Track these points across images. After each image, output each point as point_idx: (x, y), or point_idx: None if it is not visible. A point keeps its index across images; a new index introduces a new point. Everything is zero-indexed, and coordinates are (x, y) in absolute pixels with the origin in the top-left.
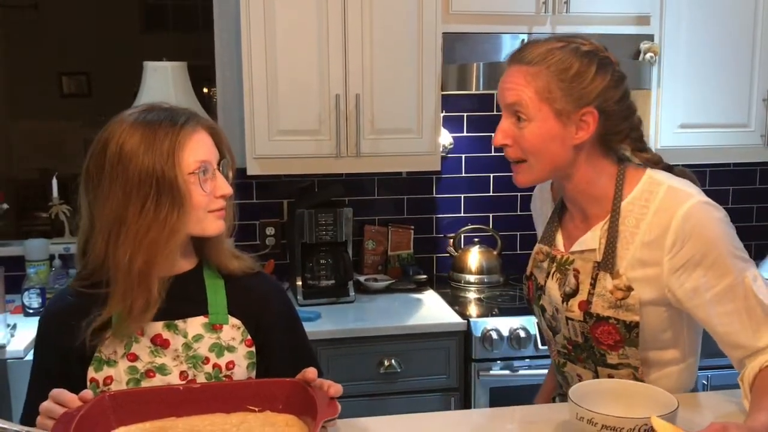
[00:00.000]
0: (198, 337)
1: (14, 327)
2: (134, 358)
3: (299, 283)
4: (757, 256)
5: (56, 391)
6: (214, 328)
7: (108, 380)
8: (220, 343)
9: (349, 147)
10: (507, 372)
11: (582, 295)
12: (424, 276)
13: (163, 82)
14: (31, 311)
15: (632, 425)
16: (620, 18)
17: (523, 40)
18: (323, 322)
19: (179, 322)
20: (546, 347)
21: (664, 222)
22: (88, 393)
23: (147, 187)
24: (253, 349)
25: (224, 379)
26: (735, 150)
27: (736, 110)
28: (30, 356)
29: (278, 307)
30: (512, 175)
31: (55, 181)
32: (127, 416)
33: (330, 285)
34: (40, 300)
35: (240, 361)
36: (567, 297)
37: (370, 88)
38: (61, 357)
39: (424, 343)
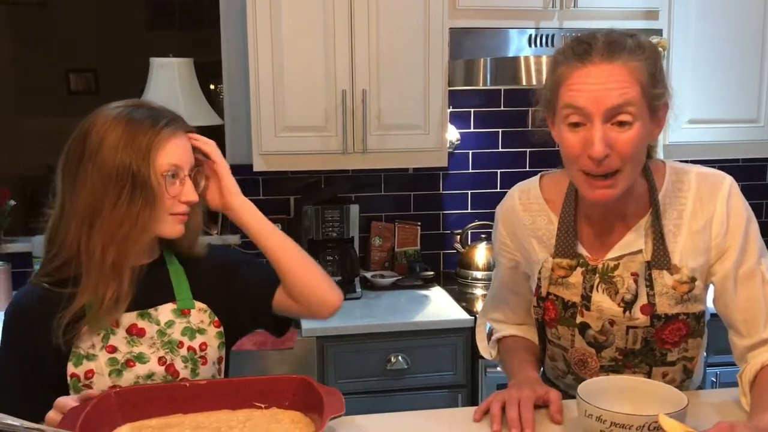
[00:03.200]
0: (170, 323)
1: None
2: (113, 349)
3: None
4: None
5: (60, 400)
6: (182, 313)
7: (89, 374)
8: (191, 326)
9: (355, 143)
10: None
11: (642, 299)
12: (431, 272)
13: (169, 78)
14: None
15: (641, 423)
16: (628, 12)
17: (530, 35)
18: (330, 319)
19: (151, 311)
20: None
21: (708, 208)
22: (91, 392)
23: (122, 182)
24: (221, 329)
25: (200, 360)
26: (744, 145)
27: (745, 105)
28: None
29: (232, 257)
30: (595, 191)
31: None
32: (133, 413)
33: (336, 281)
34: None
35: (211, 342)
36: (628, 305)
37: (376, 83)
38: (34, 354)
39: (431, 340)
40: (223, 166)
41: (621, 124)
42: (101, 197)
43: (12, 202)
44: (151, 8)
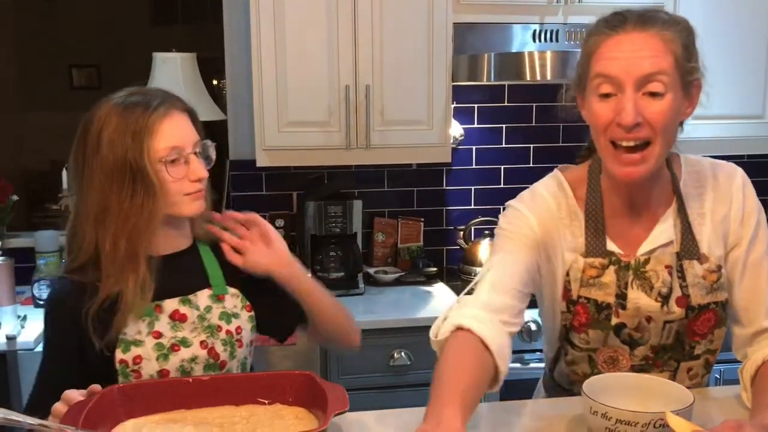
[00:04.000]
0: (208, 308)
1: (24, 318)
2: (158, 335)
3: (309, 275)
4: None
5: (68, 393)
6: (218, 298)
7: (137, 359)
8: (227, 311)
9: (359, 138)
10: (518, 365)
11: (676, 292)
12: (434, 268)
13: (172, 73)
14: (41, 302)
15: (647, 420)
16: (636, 5)
17: (534, 30)
18: None
19: (191, 297)
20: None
21: (726, 198)
22: (96, 387)
23: (122, 175)
24: (252, 313)
25: (236, 342)
26: (749, 142)
27: (751, 102)
28: (41, 347)
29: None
30: (624, 167)
31: (65, 173)
32: (136, 408)
33: (339, 277)
34: (49, 291)
35: (245, 325)
36: (665, 299)
37: (380, 79)
38: (78, 343)
39: None
40: (274, 233)
41: (653, 94)
42: (108, 192)
43: (14, 197)
44: (154, 3)
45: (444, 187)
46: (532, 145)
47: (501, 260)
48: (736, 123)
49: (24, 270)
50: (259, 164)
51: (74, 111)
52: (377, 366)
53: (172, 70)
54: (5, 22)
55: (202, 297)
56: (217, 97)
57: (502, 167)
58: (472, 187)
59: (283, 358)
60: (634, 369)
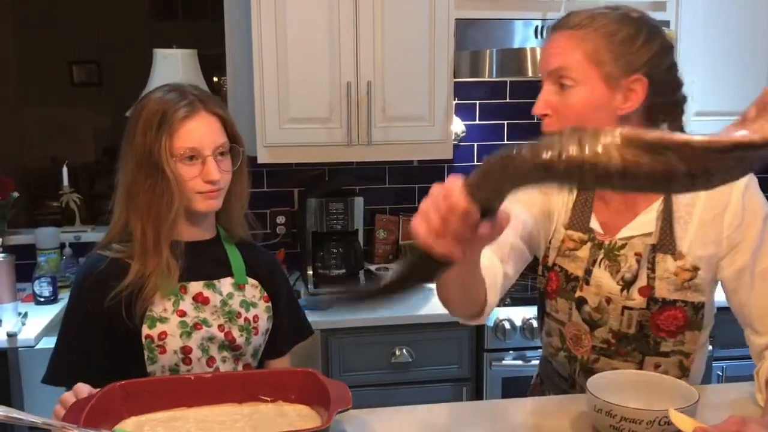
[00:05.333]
0: (230, 295)
1: (25, 315)
2: (182, 314)
3: (310, 272)
4: None
5: (78, 386)
6: (239, 287)
7: (162, 335)
8: (246, 300)
9: (360, 135)
10: (519, 362)
11: (641, 281)
12: None
13: (173, 69)
14: (42, 300)
15: (652, 417)
16: (636, 4)
17: (537, 26)
18: (334, 312)
19: (215, 282)
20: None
21: (722, 198)
22: (81, 386)
23: (148, 165)
24: (269, 304)
25: (253, 330)
26: None
27: (753, 98)
28: (42, 344)
29: (283, 278)
30: None
31: (65, 170)
32: (138, 406)
33: (341, 274)
34: (51, 288)
35: (261, 315)
36: (627, 284)
37: (381, 75)
38: (107, 314)
39: (436, 333)
40: None
41: (562, 86)
42: (135, 179)
43: (15, 194)
44: (154, 0)
45: None
46: (533, 142)
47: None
48: None
49: (25, 267)
50: (260, 161)
51: (74, 107)
52: (379, 363)
53: (173, 66)
54: (5, 19)
55: (225, 284)
56: (219, 94)
57: None
58: None
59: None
60: (596, 351)
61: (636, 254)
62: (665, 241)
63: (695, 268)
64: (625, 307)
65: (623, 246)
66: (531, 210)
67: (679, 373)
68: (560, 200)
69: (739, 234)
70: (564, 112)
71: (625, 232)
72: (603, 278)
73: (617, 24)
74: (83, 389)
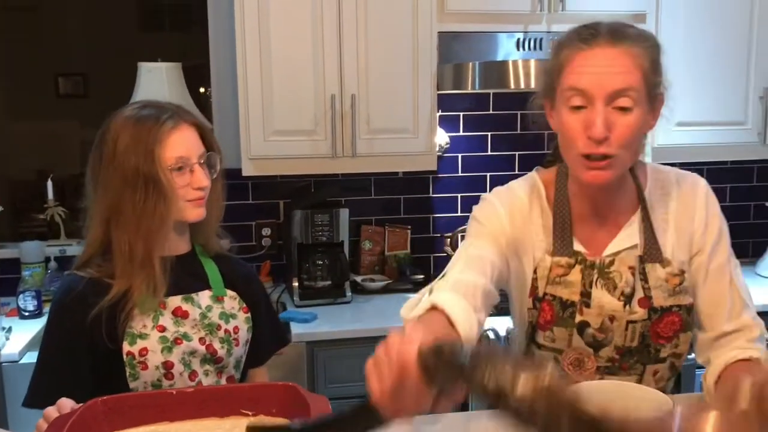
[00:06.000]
0: (209, 308)
1: (9, 330)
2: (162, 329)
3: (296, 284)
4: (754, 254)
5: (62, 401)
6: (218, 299)
7: (144, 351)
8: (225, 312)
9: (345, 147)
10: None
11: (639, 293)
12: (422, 276)
13: (157, 82)
14: (26, 314)
15: None
16: (616, 16)
17: (519, 39)
18: (320, 323)
19: (194, 296)
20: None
21: (689, 207)
22: (65, 401)
23: (136, 181)
24: (249, 315)
25: (233, 341)
26: (732, 148)
27: (733, 108)
28: (26, 359)
29: (260, 288)
30: (589, 171)
31: (50, 183)
32: (120, 421)
33: (326, 286)
34: (35, 303)
35: (241, 325)
36: (627, 299)
37: (365, 87)
38: (87, 334)
39: None
40: None
41: (621, 109)
42: (122, 196)
43: (0, 208)
44: (141, 12)
45: (430, 195)
46: (517, 153)
47: (473, 244)
48: (719, 129)
49: (9, 281)
50: (245, 173)
51: (60, 120)
52: (364, 374)
53: (158, 79)
54: None
55: (203, 297)
56: (204, 106)
57: (488, 174)
58: (459, 195)
59: (270, 368)
60: (600, 371)
61: (630, 268)
62: (651, 250)
63: (682, 272)
64: (629, 322)
65: (612, 262)
66: (498, 243)
67: (670, 374)
68: (531, 229)
69: (703, 239)
70: (621, 134)
71: (611, 248)
72: (604, 298)
73: (655, 39)
74: (66, 404)
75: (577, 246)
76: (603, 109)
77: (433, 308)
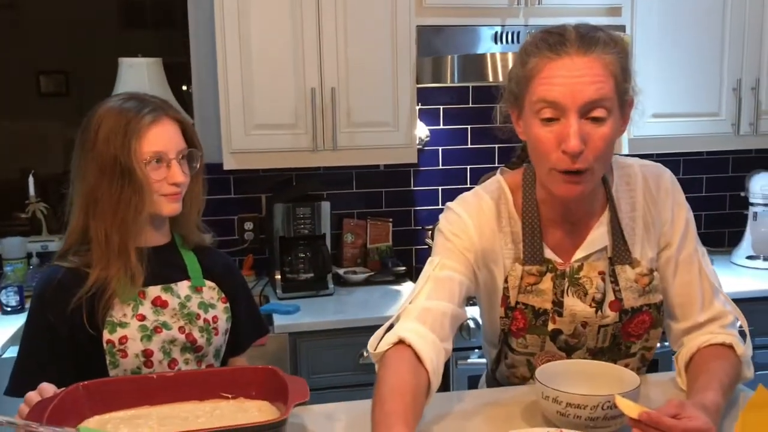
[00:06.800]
0: (188, 298)
1: None
2: (142, 318)
3: (278, 276)
4: (730, 243)
5: (43, 385)
6: (197, 290)
7: (123, 339)
8: (204, 301)
9: (325, 140)
10: (484, 360)
11: (609, 296)
12: (403, 268)
13: (138, 78)
14: (8, 309)
15: (595, 403)
16: (592, 9)
17: (496, 32)
18: (302, 315)
19: (173, 285)
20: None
21: (656, 200)
22: (46, 386)
23: (113, 171)
24: (228, 304)
25: (213, 330)
26: (706, 138)
27: (707, 99)
28: (8, 353)
29: (239, 278)
30: (563, 185)
31: (31, 179)
32: (101, 405)
33: (309, 278)
34: (17, 298)
35: (220, 315)
36: (599, 304)
37: (345, 81)
38: (67, 323)
39: None
40: None
41: (595, 119)
42: (99, 185)
43: None
44: (122, 9)
45: (411, 188)
46: (496, 146)
47: (441, 265)
48: (694, 121)
49: None
50: (226, 167)
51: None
52: (347, 365)
53: (139, 74)
54: None
55: (182, 287)
56: (188, 103)
57: (468, 167)
58: (439, 187)
59: (253, 358)
60: None
61: (600, 273)
62: (620, 252)
63: (651, 271)
64: (601, 326)
65: (581, 267)
66: (465, 260)
67: (640, 365)
68: (500, 238)
69: (671, 231)
70: (596, 146)
71: (580, 253)
72: (576, 306)
73: (624, 44)
74: (48, 389)
75: (548, 253)
76: (577, 121)
77: (401, 342)
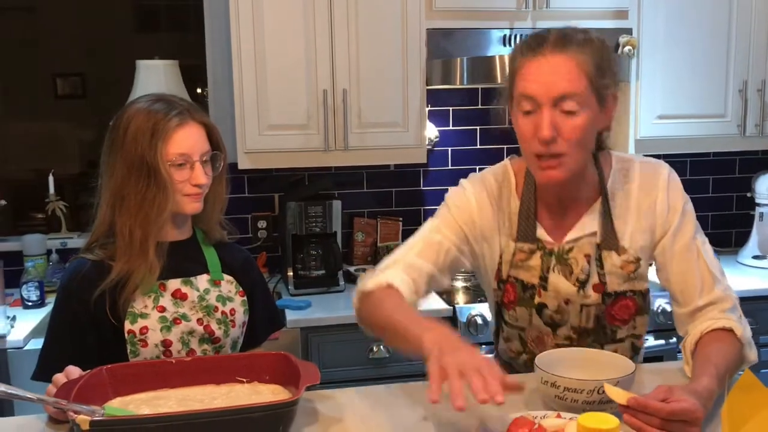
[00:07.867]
0: (207, 291)
1: (14, 318)
2: (162, 309)
3: (290, 273)
4: (737, 244)
5: (70, 368)
6: (215, 283)
7: (144, 330)
8: (222, 295)
9: (337, 141)
10: (491, 356)
11: (593, 278)
12: None
13: (155, 80)
14: (29, 303)
15: (591, 387)
16: (599, 12)
17: (505, 35)
18: (313, 310)
19: (192, 279)
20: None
21: (652, 192)
22: (72, 368)
23: (140, 169)
24: (245, 298)
25: (230, 323)
26: (712, 140)
27: (713, 101)
28: (29, 345)
29: (257, 274)
30: (544, 172)
31: (51, 178)
32: (123, 387)
33: (320, 275)
34: (38, 293)
35: (238, 308)
36: (582, 284)
37: (356, 83)
38: (91, 312)
39: None
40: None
41: (568, 112)
42: (126, 182)
43: (2, 202)
44: (138, 12)
45: (421, 188)
46: (505, 146)
47: (436, 228)
48: (700, 122)
49: (12, 273)
50: (240, 167)
51: (59, 120)
52: (357, 359)
53: (155, 77)
54: None
55: (201, 280)
56: (202, 104)
57: (477, 167)
58: (449, 187)
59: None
60: (559, 348)
61: (586, 255)
62: (608, 238)
63: (637, 260)
64: (583, 305)
65: (570, 249)
66: (461, 232)
67: (631, 353)
68: (500, 216)
69: (668, 220)
70: (568, 135)
71: (571, 235)
72: (559, 283)
73: (603, 44)
74: (74, 371)
75: (541, 233)
76: (549, 113)
77: (389, 286)
